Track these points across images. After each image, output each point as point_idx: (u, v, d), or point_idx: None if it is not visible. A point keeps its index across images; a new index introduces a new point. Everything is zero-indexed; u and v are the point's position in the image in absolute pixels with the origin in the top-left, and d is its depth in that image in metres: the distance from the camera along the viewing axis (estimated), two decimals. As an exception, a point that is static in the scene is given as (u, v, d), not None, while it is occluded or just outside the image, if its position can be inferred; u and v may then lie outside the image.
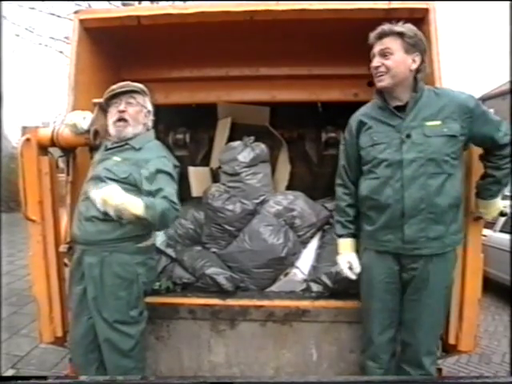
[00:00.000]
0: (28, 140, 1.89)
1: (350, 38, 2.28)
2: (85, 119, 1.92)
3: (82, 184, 1.91)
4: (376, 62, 1.70)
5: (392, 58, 1.66)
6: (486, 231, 4.86)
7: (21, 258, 5.71)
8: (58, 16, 9.28)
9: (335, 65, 2.63)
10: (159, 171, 1.77)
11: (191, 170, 2.99)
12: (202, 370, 2.12)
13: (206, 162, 3.20)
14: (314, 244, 2.45)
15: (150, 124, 1.99)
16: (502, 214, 1.82)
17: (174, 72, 2.74)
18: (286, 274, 2.29)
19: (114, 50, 2.49)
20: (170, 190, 1.76)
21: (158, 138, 3.48)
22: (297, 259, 2.34)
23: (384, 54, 1.67)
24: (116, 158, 1.82)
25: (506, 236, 4.81)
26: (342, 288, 2.08)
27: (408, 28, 1.67)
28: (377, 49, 1.69)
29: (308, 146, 3.33)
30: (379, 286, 1.77)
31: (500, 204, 1.81)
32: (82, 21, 2.15)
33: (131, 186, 1.76)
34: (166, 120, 3.19)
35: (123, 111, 1.85)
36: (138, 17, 2.13)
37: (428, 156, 1.63)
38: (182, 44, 2.42)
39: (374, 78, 1.72)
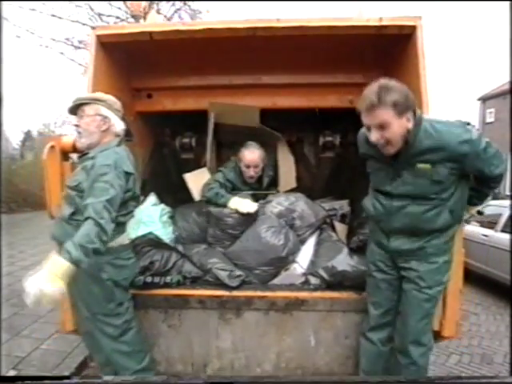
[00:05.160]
0: (52, 147, 2.08)
1: (345, 50, 2.47)
2: None
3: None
4: (374, 136, 1.66)
5: (390, 131, 1.62)
6: (487, 231, 4.90)
7: (21, 259, 5.67)
8: (59, 18, 9.43)
9: (332, 74, 2.80)
10: (95, 181, 1.77)
11: (187, 176, 3.04)
12: (210, 355, 2.29)
13: (210, 164, 3.37)
14: (312, 241, 2.57)
15: (115, 129, 1.98)
16: (479, 213, 1.98)
17: (181, 81, 2.90)
18: (287, 269, 2.42)
19: (127, 61, 2.67)
20: (97, 204, 1.70)
21: (165, 142, 3.62)
22: (297, 255, 2.47)
23: (381, 127, 1.63)
24: (79, 167, 1.94)
25: (508, 236, 4.68)
26: (337, 281, 2.26)
27: (397, 93, 1.60)
28: (372, 122, 1.65)
29: (306, 149, 3.53)
30: (376, 275, 2.00)
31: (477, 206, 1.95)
32: (98, 36, 2.33)
33: (81, 192, 1.83)
34: (174, 125, 3.36)
35: (77, 125, 1.97)
36: (151, 33, 2.31)
37: (415, 193, 1.75)
38: (188, 55, 2.59)
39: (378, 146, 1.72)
